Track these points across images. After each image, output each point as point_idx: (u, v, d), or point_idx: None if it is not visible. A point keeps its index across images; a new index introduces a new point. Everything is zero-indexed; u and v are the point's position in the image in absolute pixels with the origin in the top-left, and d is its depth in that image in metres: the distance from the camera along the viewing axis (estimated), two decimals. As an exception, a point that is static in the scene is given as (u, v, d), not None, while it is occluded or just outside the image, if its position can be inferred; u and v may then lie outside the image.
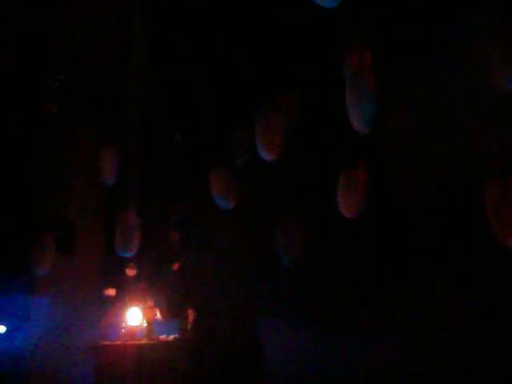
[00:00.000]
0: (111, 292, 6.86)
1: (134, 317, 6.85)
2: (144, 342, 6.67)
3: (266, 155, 4.93)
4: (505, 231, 3.82)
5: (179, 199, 6.39)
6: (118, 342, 6.55)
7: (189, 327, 6.51)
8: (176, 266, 6.46)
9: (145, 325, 6.83)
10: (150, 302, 6.95)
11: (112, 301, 6.85)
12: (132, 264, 6.80)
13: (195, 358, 4.84)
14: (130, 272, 6.86)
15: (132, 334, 6.74)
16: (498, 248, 3.91)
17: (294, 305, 6.13)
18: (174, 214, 5.52)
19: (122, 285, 6.91)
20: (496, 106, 4.22)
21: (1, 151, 5.46)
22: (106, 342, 6.48)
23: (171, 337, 6.71)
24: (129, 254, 5.82)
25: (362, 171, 4.77)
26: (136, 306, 6.88)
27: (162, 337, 6.78)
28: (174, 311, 5.05)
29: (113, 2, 4.74)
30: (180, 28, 4.83)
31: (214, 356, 4.59)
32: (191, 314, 6.15)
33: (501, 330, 4.82)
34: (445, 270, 5.45)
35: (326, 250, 4.86)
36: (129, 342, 6.56)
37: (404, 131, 5.23)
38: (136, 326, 6.81)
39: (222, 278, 4.68)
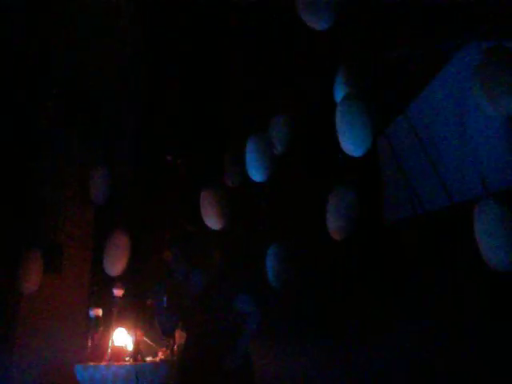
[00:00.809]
0: (98, 312, 6.80)
1: (121, 337, 6.79)
2: (129, 362, 6.61)
3: (256, 177, 4.97)
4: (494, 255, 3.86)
5: (172, 219, 6.40)
6: (104, 363, 6.49)
7: (176, 348, 6.48)
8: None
9: (131, 346, 6.77)
10: (138, 322, 6.90)
11: (98, 321, 6.78)
12: (119, 284, 6.76)
13: (185, 379, 4.80)
14: (118, 292, 6.81)
15: (118, 354, 6.67)
16: (485, 271, 3.95)
17: (285, 325, 6.15)
18: (168, 233, 5.52)
19: (109, 305, 6.86)
20: (487, 131, 4.28)
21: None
22: (92, 363, 6.41)
23: (158, 358, 6.66)
24: (116, 274, 5.81)
25: (350, 193, 4.81)
26: (123, 326, 6.83)
27: (149, 358, 6.73)
28: (164, 332, 5.02)
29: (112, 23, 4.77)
30: (175, 48, 4.87)
31: (203, 376, 4.56)
32: (180, 335, 6.12)
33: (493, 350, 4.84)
34: (433, 295, 5.48)
35: (316, 272, 4.87)
36: (114, 363, 6.50)
37: (394, 153, 5.28)
38: (122, 347, 6.75)
39: (213, 298, 4.66)
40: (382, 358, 5.69)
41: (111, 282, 6.60)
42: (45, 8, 4.56)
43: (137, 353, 6.68)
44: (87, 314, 6.68)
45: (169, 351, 6.67)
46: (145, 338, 6.88)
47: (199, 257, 4.75)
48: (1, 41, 4.54)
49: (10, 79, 4.94)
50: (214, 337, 4.56)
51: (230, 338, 4.53)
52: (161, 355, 6.71)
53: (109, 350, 6.69)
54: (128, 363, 6.55)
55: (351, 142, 4.15)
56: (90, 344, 6.58)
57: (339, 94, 4.43)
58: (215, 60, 4.88)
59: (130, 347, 6.76)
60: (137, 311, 6.96)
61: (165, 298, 4.67)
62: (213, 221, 5.41)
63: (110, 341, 6.75)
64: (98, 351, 6.64)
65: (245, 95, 5.31)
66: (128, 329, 6.84)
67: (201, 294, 4.65)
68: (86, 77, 5.00)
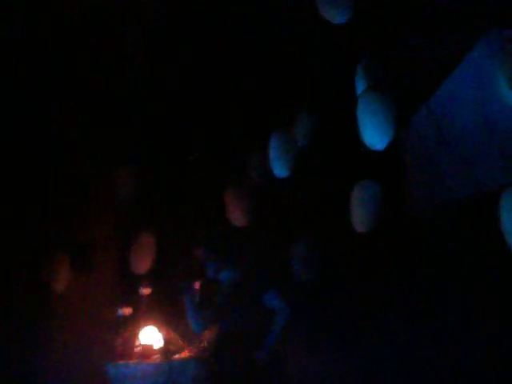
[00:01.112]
0: (126, 311, 6.87)
1: (149, 335, 6.85)
2: (159, 360, 6.66)
3: (279, 172, 4.99)
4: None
5: (199, 217, 6.44)
6: (133, 362, 6.55)
7: (205, 345, 6.51)
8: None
9: (160, 343, 6.83)
10: (166, 320, 6.96)
11: (127, 320, 6.85)
12: (146, 282, 6.82)
13: (216, 376, 4.81)
14: (145, 291, 6.87)
15: (147, 353, 6.73)
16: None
17: (314, 322, 6.14)
18: (199, 231, 5.56)
19: (137, 303, 6.92)
20: (508, 122, 4.24)
21: (14, 170, 5.50)
22: (122, 362, 6.47)
23: (186, 355, 6.70)
24: (142, 272, 5.87)
25: (374, 186, 4.81)
26: (151, 324, 6.88)
27: (177, 356, 6.77)
28: (196, 328, 5.05)
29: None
30: (192, 46, 4.90)
31: (235, 373, 4.57)
32: (210, 333, 6.15)
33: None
34: (456, 285, 5.45)
35: (341, 266, 4.88)
36: (144, 362, 6.56)
37: (417, 147, 5.26)
38: (151, 345, 6.81)
39: (244, 295, 4.66)
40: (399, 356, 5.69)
41: (139, 280, 6.67)
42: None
43: (166, 351, 6.74)
44: (116, 313, 6.75)
45: (197, 348, 6.71)
46: (174, 336, 6.93)
47: (230, 254, 4.76)
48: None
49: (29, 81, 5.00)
50: (245, 333, 4.56)
51: (260, 335, 4.54)
52: (188, 352, 6.75)
53: (137, 349, 6.75)
54: (157, 361, 6.62)
55: (373, 136, 4.15)
56: (119, 343, 6.66)
57: (360, 87, 4.43)
58: (239, 55, 4.90)
59: (159, 345, 6.82)
60: (165, 309, 7.01)
61: (195, 295, 4.69)
62: (238, 217, 5.45)
63: (139, 339, 6.82)
64: (127, 350, 6.71)
65: (268, 91, 5.33)
66: (156, 327, 6.90)
67: (232, 291, 4.66)
68: (106, 76, 5.05)
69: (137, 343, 6.81)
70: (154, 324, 6.90)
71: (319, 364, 6.06)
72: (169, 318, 6.96)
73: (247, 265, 4.70)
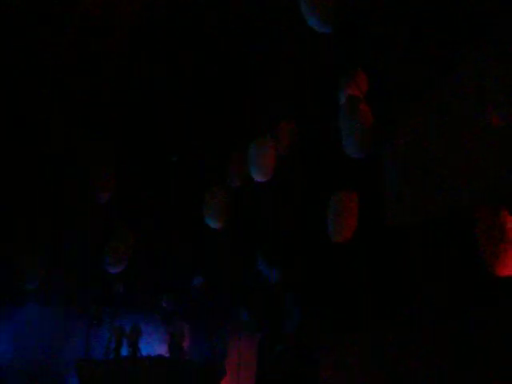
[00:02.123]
0: (98, 308, 6.85)
1: (121, 333, 6.84)
2: (129, 358, 6.65)
3: (259, 177, 5.00)
4: (495, 260, 3.88)
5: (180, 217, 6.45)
6: (104, 359, 6.54)
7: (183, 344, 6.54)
8: None
9: (130, 341, 6.82)
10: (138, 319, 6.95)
11: (100, 317, 6.83)
12: (120, 281, 6.80)
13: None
14: (119, 289, 6.86)
15: (118, 350, 6.73)
16: (488, 276, 3.97)
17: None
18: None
19: (110, 301, 6.90)
20: (488, 139, 4.28)
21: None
22: (94, 359, 6.46)
23: (156, 355, 6.71)
24: (117, 270, 5.84)
25: (353, 196, 4.84)
26: (123, 322, 6.88)
27: (148, 355, 6.77)
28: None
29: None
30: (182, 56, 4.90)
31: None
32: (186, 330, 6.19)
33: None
34: (434, 299, 5.48)
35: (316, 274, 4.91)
36: (115, 358, 6.55)
37: (397, 158, 5.28)
38: (122, 343, 6.80)
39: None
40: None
41: (113, 279, 6.64)
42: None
43: (136, 349, 6.74)
44: (88, 310, 6.73)
45: (169, 348, 6.72)
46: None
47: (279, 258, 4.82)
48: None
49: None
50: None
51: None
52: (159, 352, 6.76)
53: (109, 346, 6.74)
54: (127, 359, 6.62)
55: (354, 145, 4.18)
56: (90, 340, 6.64)
57: (342, 97, 4.46)
58: (220, 60, 4.90)
59: (129, 343, 6.81)
60: (139, 308, 7.01)
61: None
62: (215, 220, 5.46)
63: (110, 337, 6.81)
64: (99, 347, 6.70)
65: (251, 97, 5.34)
66: (128, 325, 6.89)
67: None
68: (89, 78, 5.03)
69: (109, 341, 6.80)
70: (126, 322, 6.90)
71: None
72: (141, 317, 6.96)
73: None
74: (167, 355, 6.66)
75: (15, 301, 6.18)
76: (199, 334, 6.44)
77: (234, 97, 5.28)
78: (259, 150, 5.02)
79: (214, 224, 5.45)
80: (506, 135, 4.18)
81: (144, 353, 6.75)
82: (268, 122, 5.18)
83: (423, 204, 4.98)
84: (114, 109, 5.27)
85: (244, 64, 4.90)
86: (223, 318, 6.47)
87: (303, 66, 4.83)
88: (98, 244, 6.20)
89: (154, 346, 6.97)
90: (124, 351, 6.73)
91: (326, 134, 4.69)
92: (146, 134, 5.77)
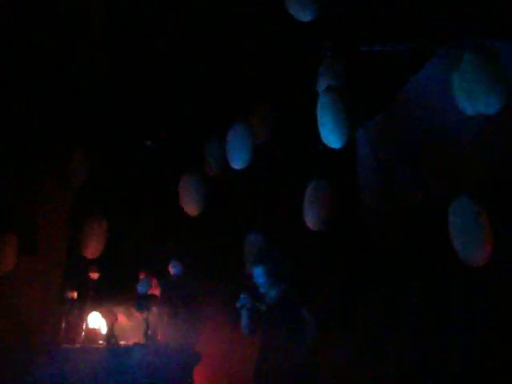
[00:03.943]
0: (73, 294, 6.80)
1: (95, 320, 6.81)
2: (103, 346, 6.62)
3: (235, 164, 4.99)
4: (467, 251, 3.93)
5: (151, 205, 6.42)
6: (78, 346, 6.50)
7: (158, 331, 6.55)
8: None
9: (105, 329, 6.78)
10: (113, 306, 6.91)
11: (73, 303, 6.78)
12: (95, 267, 6.76)
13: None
14: (93, 275, 6.81)
15: (92, 337, 6.69)
16: (461, 267, 4.02)
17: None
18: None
19: (85, 287, 6.86)
20: (465, 129, 4.32)
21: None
22: (66, 345, 6.42)
23: (131, 342, 6.68)
24: (93, 257, 5.81)
25: (328, 185, 4.86)
26: (97, 309, 6.83)
27: (123, 342, 6.74)
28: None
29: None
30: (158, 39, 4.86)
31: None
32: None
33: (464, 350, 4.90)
34: (407, 288, 5.53)
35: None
36: (88, 346, 6.52)
37: (373, 147, 5.32)
38: (96, 330, 6.77)
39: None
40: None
41: (88, 264, 6.60)
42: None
43: (111, 336, 6.70)
44: (62, 296, 6.67)
45: (142, 335, 6.70)
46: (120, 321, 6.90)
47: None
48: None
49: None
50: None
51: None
52: (133, 339, 6.73)
53: (83, 333, 6.70)
54: (101, 346, 6.58)
55: (331, 134, 4.18)
56: (64, 326, 6.58)
57: (321, 86, 4.45)
58: (197, 46, 4.86)
59: (104, 330, 6.77)
60: (113, 295, 6.97)
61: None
62: (191, 207, 5.46)
63: (84, 324, 6.77)
64: (72, 333, 6.65)
65: (227, 83, 5.31)
66: (102, 312, 6.85)
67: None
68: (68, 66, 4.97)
69: (83, 328, 6.76)
70: (101, 310, 6.86)
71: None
72: (115, 304, 6.93)
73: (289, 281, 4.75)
74: (142, 342, 6.63)
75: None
76: (175, 321, 6.42)
77: (210, 82, 5.25)
78: (236, 137, 5.01)
79: (190, 211, 5.45)
80: (481, 126, 4.23)
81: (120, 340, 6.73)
82: (245, 108, 5.17)
83: (397, 192, 5.03)
84: (89, 94, 5.21)
85: (221, 50, 4.87)
86: (199, 305, 6.46)
87: (281, 51, 4.82)
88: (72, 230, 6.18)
89: (129, 333, 6.94)
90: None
91: (303, 122, 4.68)
92: (121, 119, 5.72)
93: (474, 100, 3.44)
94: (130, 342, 6.67)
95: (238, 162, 5.01)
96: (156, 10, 4.58)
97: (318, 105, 4.23)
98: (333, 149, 4.24)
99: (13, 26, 4.65)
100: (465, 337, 4.85)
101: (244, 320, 4.68)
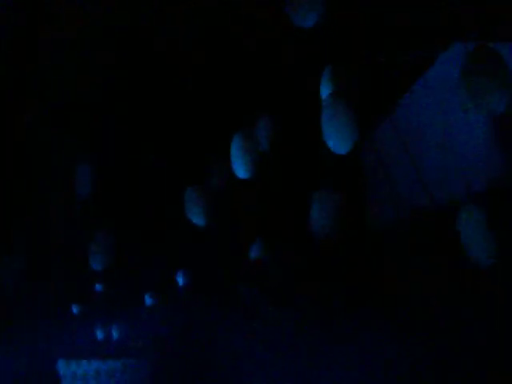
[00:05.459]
0: (83, 307, 6.80)
1: (105, 332, 6.79)
2: (111, 359, 6.59)
3: (241, 173, 4.96)
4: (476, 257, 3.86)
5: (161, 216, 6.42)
6: (85, 359, 6.48)
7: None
8: None
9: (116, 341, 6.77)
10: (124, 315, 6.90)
11: (81, 316, 6.78)
12: (102, 279, 6.75)
13: None
14: (101, 287, 6.81)
15: (102, 350, 6.68)
16: (470, 272, 3.95)
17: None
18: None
19: (92, 299, 6.85)
20: (471, 133, 4.27)
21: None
22: (73, 359, 6.39)
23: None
24: (100, 269, 5.79)
25: (336, 194, 4.81)
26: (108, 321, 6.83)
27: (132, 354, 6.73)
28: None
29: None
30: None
31: None
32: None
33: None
34: (416, 294, 5.47)
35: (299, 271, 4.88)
36: (96, 359, 6.49)
37: (379, 157, 5.27)
38: (105, 342, 6.76)
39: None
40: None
41: (96, 277, 6.59)
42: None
43: (121, 348, 6.69)
44: (72, 309, 6.67)
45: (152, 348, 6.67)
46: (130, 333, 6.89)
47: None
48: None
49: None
50: None
51: None
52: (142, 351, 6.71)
53: (92, 345, 6.70)
54: (111, 359, 6.55)
55: (336, 141, 4.14)
56: (74, 339, 6.58)
57: (325, 92, 4.42)
58: (200, 56, 4.86)
59: (114, 342, 6.76)
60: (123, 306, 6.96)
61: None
62: (197, 219, 5.42)
63: (94, 335, 6.76)
64: (81, 346, 6.65)
65: (231, 93, 5.30)
66: (113, 323, 6.84)
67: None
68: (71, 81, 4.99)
69: (92, 340, 6.75)
70: (111, 320, 6.85)
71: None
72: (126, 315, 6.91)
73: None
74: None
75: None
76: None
77: (214, 92, 5.24)
78: (241, 146, 4.98)
79: (197, 222, 5.41)
80: (488, 132, 4.18)
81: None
82: (249, 117, 5.16)
83: (405, 201, 4.98)
84: (92, 107, 5.22)
85: (224, 59, 4.86)
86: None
87: (286, 60, 4.80)
88: (79, 243, 6.17)
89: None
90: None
91: (309, 130, 4.64)
92: (125, 132, 5.73)
93: (477, 101, 3.39)
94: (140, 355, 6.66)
95: (243, 172, 4.98)
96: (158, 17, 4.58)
97: (323, 111, 4.19)
98: (338, 155, 4.19)
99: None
100: (474, 342, 4.78)
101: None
